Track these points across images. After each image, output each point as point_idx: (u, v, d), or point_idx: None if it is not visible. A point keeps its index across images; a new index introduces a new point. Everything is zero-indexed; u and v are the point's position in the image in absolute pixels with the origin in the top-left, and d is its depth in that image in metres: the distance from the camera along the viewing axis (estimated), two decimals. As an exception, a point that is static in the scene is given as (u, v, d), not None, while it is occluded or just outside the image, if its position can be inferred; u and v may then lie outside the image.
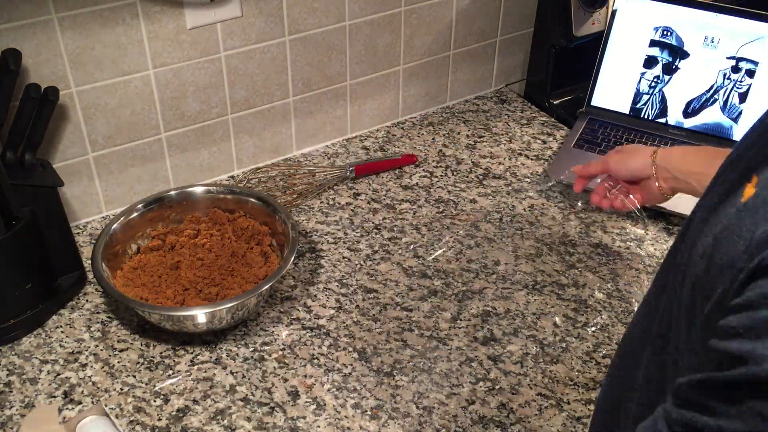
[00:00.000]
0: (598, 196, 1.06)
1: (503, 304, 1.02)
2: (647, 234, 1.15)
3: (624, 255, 1.11)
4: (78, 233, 1.15)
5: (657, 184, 0.98)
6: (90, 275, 1.06)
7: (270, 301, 1.03)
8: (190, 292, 0.99)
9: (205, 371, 0.93)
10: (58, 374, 0.92)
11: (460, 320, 1.00)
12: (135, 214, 1.06)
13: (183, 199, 1.10)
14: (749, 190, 0.46)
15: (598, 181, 1.08)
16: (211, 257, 1.05)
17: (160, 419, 0.87)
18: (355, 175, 1.27)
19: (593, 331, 0.98)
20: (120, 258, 1.04)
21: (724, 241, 0.46)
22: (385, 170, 1.29)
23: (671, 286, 0.55)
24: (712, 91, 1.26)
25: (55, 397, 0.89)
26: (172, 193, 1.10)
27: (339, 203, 1.21)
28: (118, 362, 0.94)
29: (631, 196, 1.03)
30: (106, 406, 0.87)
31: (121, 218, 1.05)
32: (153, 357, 0.95)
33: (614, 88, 1.34)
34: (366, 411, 0.88)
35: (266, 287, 0.94)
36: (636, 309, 0.68)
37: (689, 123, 1.29)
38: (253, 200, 1.10)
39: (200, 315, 0.93)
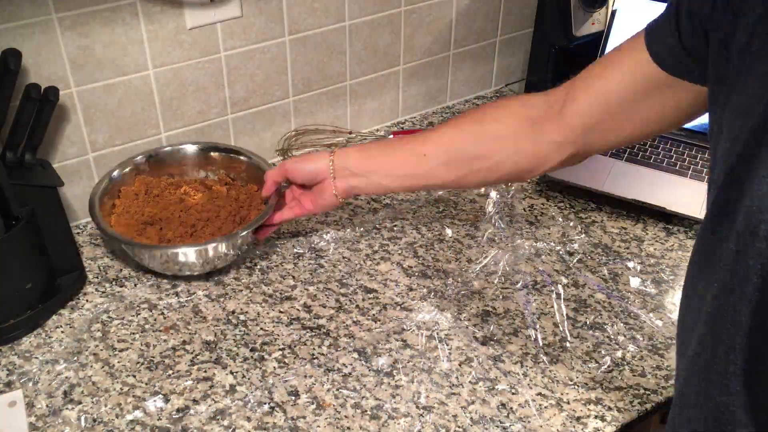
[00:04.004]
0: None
1: (503, 304, 1.02)
2: (647, 234, 1.15)
3: (624, 255, 1.11)
4: (78, 233, 1.15)
5: (333, 185, 1.00)
6: (90, 275, 1.06)
7: (270, 301, 1.03)
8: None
9: (205, 371, 0.93)
10: (58, 374, 0.92)
11: (460, 320, 1.00)
12: (128, 168, 1.13)
13: (176, 155, 1.17)
14: None
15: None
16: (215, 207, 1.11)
17: (160, 419, 0.87)
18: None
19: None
20: (112, 208, 1.10)
21: None
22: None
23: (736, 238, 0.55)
24: (712, 91, 1.26)
25: (54, 397, 0.89)
26: (167, 148, 1.17)
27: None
28: (118, 362, 0.94)
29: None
30: (106, 406, 0.87)
31: (118, 170, 1.11)
32: (153, 357, 0.95)
33: (614, 88, 1.34)
34: (366, 411, 0.88)
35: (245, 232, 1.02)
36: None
37: (689, 123, 1.29)
38: (243, 158, 1.16)
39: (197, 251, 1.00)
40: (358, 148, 1.02)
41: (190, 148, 1.17)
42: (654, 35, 0.73)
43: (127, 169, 1.12)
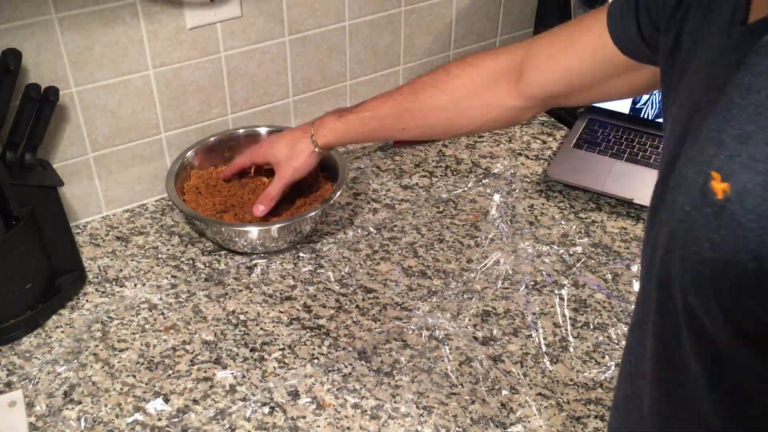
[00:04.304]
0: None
1: (503, 304, 1.02)
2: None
3: (624, 255, 1.11)
4: (78, 233, 1.15)
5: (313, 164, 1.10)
6: (90, 275, 1.06)
7: (270, 301, 1.03)
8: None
9: (205, 371, 0.93)
10: (58, 374, 0.92)
11: (460, 320, 1.00)
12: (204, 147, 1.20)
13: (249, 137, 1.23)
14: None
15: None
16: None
17: (160, 419, 0.87)
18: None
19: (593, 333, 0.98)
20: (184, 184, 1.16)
21: None
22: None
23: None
24: (711, 91, 1.26)
25: (54, 397, 0.89)
26: (240, 131, 1.23)
27: (339, 203, 1.21)
28: (118, 362, 0.94)
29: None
30: (105, 405, 0.87)
31: (194, 148, 1.19)
32: (153, 357, 0.95)
33: (614, 88, 1.34)
34: (366, 411, 0.88)
35: (317, 212, 1.09)
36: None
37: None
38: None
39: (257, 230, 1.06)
40: (333, 130, 1.06)
41: (236, 135, 1.23)
42: (616, 21, 0.75)
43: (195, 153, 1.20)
